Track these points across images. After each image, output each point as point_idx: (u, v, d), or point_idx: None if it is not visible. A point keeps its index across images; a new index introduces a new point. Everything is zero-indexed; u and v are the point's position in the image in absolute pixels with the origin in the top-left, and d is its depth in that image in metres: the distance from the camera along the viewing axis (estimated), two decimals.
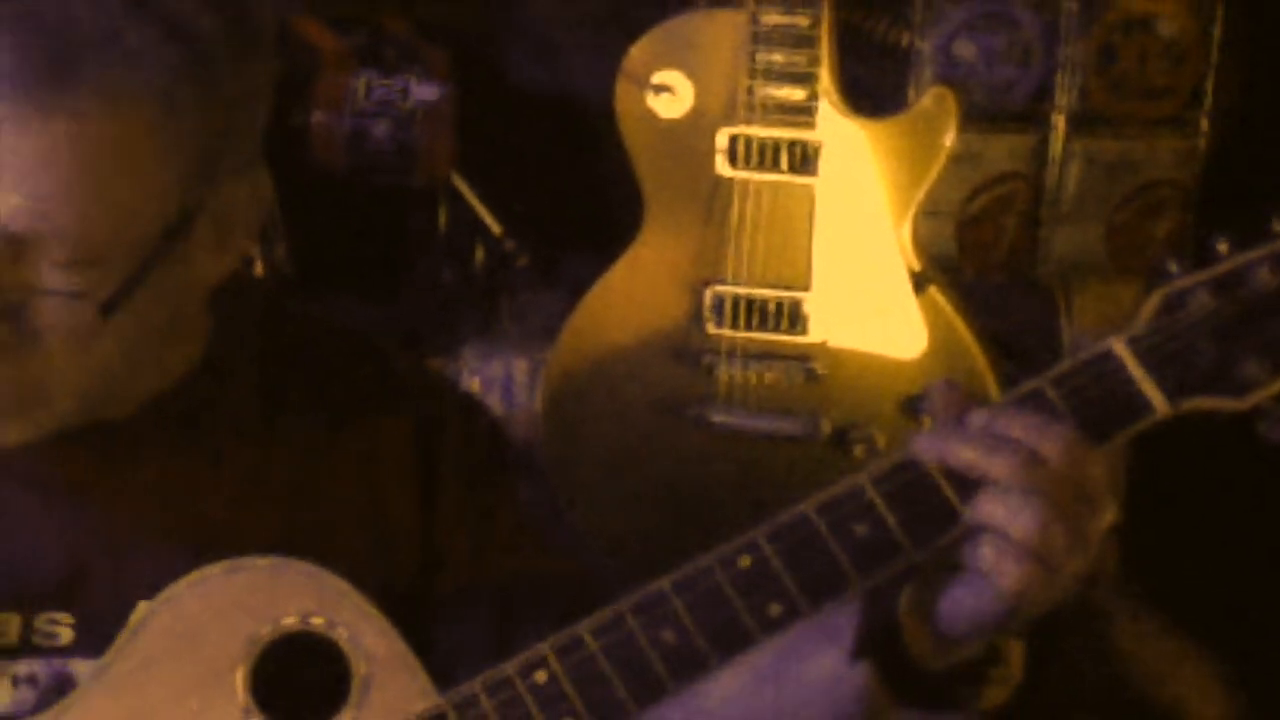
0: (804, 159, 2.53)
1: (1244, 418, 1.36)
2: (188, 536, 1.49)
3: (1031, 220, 2.95)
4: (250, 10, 1.42)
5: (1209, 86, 2.91)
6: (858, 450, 2.56)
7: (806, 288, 2.56)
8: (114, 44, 1.34)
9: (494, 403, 2.83)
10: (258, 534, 1.49)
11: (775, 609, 1.36)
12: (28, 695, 1.46)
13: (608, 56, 2.60)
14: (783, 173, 2.54)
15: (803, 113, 2.52)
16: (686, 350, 2.60)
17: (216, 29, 1.38)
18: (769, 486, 2.58)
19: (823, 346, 2.58)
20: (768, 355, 2.59)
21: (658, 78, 2.56)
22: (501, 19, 3.11)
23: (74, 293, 1.37)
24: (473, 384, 2.85)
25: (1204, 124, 2.92)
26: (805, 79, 2.50)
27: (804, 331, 2.57)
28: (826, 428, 2.58)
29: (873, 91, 2.74)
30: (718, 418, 2.60)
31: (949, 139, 2.53)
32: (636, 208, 2.60)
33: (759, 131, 2.53)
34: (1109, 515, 1.35)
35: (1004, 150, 2.92)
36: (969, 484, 1.34)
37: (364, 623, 1.44)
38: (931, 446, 1.35)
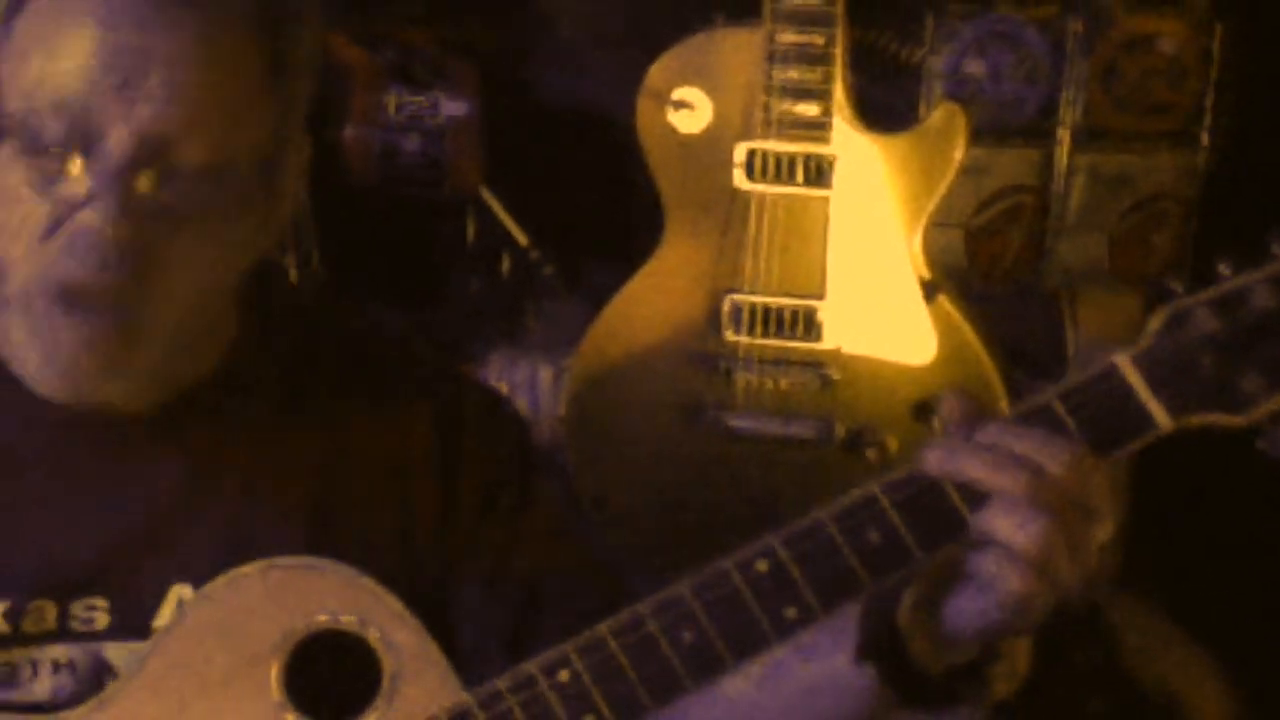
0: (819, 172, 2.56)
1: (1244, 433, 1.37)
2: (217, 521, 1.53)
3: (1038, 231, 2.95)
4: None
5: (1209, 103, 2.91)
6: (870, 453, 2.59)
7: (821, 296, 2.59)
8: None
9: (520, 407, 2.81)
10: (285, 518, 1.54)
11: (791, 612, 1.38)
12: (66, 681, 1.51)
13: (630, 73, 2.63)
14: (798, 186, 2.57)
15: (818, 128, 2.54)
16: (705, 356, 2.63)
17: None
18: (783, 488, 2.61)
19: (836, 353, 2.60)
20: (783, 361, 2.61)
21: (678, 94, 2.59)
22: (528, 37, 3.10)
23: (205, 208, 1.43)
24: (500, 389, 2.82)
25: (1204, 139, 2.92)
26: (820, 95, 2.53)
27: (818, 338, 2.60)
28: (840, 431, 2.61)
29: (885, 107, 2.74)
30: (735, 421, 2.63)
31: (959, 153, 2.56)
32: (657, 219, 2.63)
33: (775, 146, 2.56)
34: (1109, 527, 1.37)
35: (1011, 164, 2.93)
36: (977, 493, 1.36)
37: (393, 621, 1.48)
38: (941, 461, 1.37)
